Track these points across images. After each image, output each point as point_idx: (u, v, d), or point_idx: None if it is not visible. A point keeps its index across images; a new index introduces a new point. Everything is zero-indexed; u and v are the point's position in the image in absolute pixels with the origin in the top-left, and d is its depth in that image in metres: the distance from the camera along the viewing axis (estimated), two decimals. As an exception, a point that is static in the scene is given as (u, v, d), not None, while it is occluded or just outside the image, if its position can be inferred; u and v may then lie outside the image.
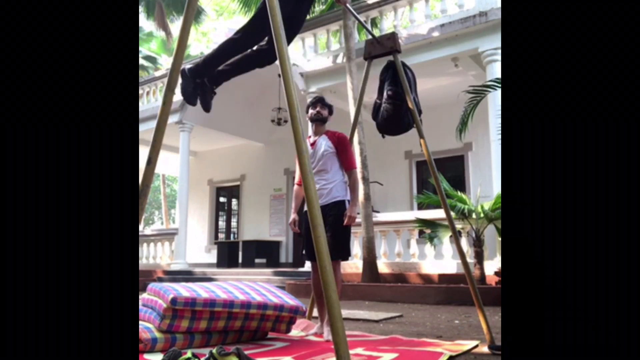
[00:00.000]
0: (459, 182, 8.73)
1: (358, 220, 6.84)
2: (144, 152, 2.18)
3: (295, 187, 3.44)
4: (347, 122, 5.51)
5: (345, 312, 4.26)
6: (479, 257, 5.83)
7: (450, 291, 5.53)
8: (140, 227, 9.80)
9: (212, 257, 11.77)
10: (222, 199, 13.24)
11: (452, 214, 4.45)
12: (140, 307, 2.87)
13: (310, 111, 3.29)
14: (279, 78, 7.84)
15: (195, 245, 12.42)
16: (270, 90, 9.61)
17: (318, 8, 9.43)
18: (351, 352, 1.58)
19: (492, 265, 6.05)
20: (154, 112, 10.15)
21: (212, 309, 2.69)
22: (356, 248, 7.26)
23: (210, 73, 2.52)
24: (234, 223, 12.86)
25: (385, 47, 3.30)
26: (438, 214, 6.42)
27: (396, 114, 3.19)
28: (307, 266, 7.36)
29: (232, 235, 12.74)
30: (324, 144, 3.18)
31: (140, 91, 11.11)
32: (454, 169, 9.12)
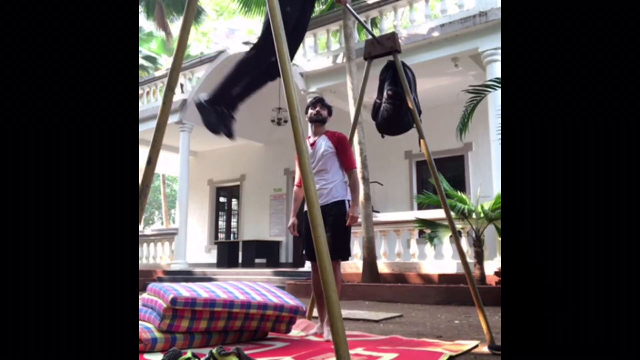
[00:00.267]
0: (459, 182, 8.73)
1: (358, 220, 6.83)
2: (144, 152, 2.18)
3: (295, 188, 3.44)
4: (347, 122, 5.51)
5: (345, 312, 4.26)
6: (479, 257, 5.83)
7: (450, 291, 5.53)
8: (140, 227, 9.80)
9: (212, 257, 11.77)
10: (222, 199, 13.24)
11: (452, 214, 4.45)
12: (140, 307, 2.87)
13: (310, 111, 3.29)
14: (279, 78, 7.80)
15: (195, 245, 12.43)
16: (270, 90, 9.58)
17: (318, 8, 9.42)
18: (351, 352, 1.58)
19: (492, 265, 6.05)
20: (154, 112, 10.16)
21: (212, 309, 2.69)
22: (356, 248, 7.26)
23: (227, 98, 2.51)
24: (234, 223, 12.86)
25: (385, 47, 3.30)
26: (438, 214, 6.42)
27: (396, 114, 3.19)
28: (307, 266, 7.36)
29: (232, 235, 12.75)
30: (324, 144, 3.18)
31: (140, 91, 11.12)
32: (454, 169, 9.12)
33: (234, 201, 12.89)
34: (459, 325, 3.70)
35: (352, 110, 6.66)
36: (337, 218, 3.06)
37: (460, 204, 5.92)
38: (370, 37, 3.44)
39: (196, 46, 21.87)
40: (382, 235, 7.26)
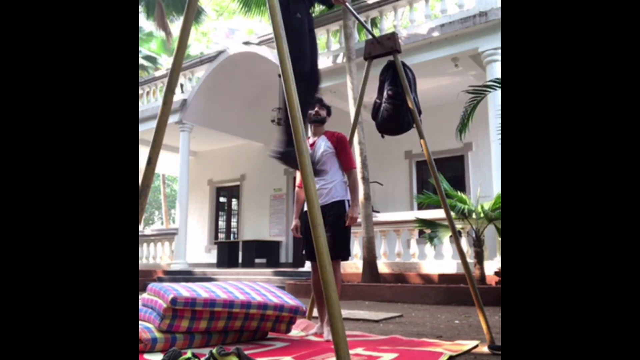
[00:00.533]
0: (459, 182, 8.73)
1: (358, 220, 6.83)
2: (144, 152, 2.18)
3: (297, 189, 3.44)
4: (347, 122, 5.51)
5: (345, 312, 4.26)
6: (479, 257, 5.83)
7: (450, 291, 5.53)
8: (140, 227, 9.81)
9: (212, 257, 11.77)
10: (222, 199, 13.24)
11: (452, 214, 4.45)
12: (140, 307, 2.87)
13: (309, 112, 3.29)
14: (279, 78, 7.82)
15: (195, 245, 12.43)
16: (270, 90, 9.61)
17: (318, 8, 9.42)
18: (351, 352, 1.58)
19: (492, 265, 6.05)
20: (154, 112, 10.16)
21: (212, 309, 2.69)
22: (356, 248, 7.26)
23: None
24: (234, 223, 12.86)
25: (385, 47, 3.30)
26: (438, 214, 6.42)
27: (396, 114, 3.19)
28: (307, 266, 7.36)
29: (232, 235, 12.74)
30: (323, 144, 3.18)
31: (140, 91, 11.12)
32: (454, 169, 9.12)
33: (234, 201, 12.89)
34: (459, 325, 3.70)
35: (352, 110, 6.66)
36: (337, 218, 3.06)
37: (460, 204, 5.92)
38: (370, 37, 3.44)
39: (196, 46, 21.87)
40: (382, 235, 7.26)
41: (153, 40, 19.64)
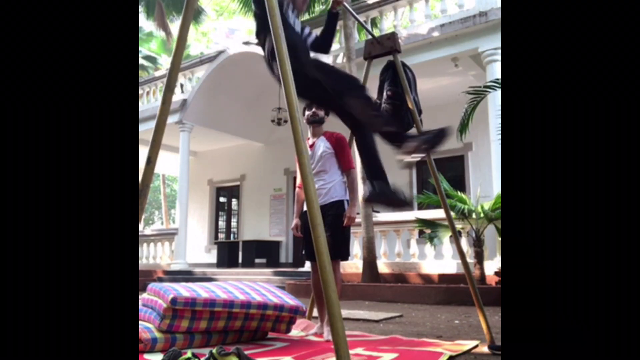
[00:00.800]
0: (459, 182, 8.73)
1: (358, 220, 6.83)
2: (144, 152, 2.18)
3: (297, 190, 3.44)
4: (347, 122, 5.48)
5: (345, 312, 4.26)
6: (479, 257, 5.83)
7: (450, 291, 5.53)
8: (140, 227, 9.82)
9: (212, 257, 11.77)
10: (222, 199, 13.24)
11: (452, 214, 4.45)
12: (140, 307, 2.87)
13: (307, 113, 3.28)
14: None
15: (195, 245, 12.43)
16: (270, 90, 9.61)
17: (318, 8, 9.43)
18: (351, 352, 1.58)
19: (492, 265, 6.05)
20: (154, 112, 10.16)
21: (212, 309, 2.69)
22: (356, 248, 7.25)
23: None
24: (234, 223, 12.86)
25: (385, 47, 3.30)
26: (438, 214, 6.42)
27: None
28: (307, 266, 7.36)
29: (232, 235, 12.75)
30: (322, 145, 3.19)
31: (140, 91, 11.12)
32: (454, 169, 9.12)
33: (234, 201, 12.89)
34: (459, 325, 3.70)
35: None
36: (336, 218, 3.06)
37: (460, 204, 5.92)
38: (370, 37, 3.44)
39: (196, 46, 21.87)
40: (382, 235, 7.26)
41: (153, 40, 19.64)
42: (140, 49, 18.20)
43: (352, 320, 4.02)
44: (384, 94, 3.27)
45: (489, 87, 3.96)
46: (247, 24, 20.50)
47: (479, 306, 2.88)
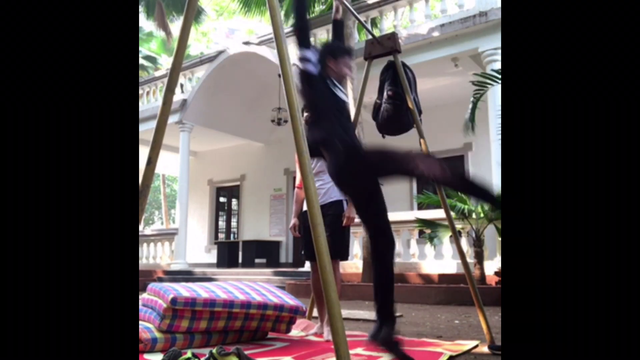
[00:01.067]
0: (459, 182, 8.72)
1: (358, 220, 6.82)
2: (144, 152, 2.18)
3: (296, 190, 3.44)
4: (347, 122, 5.45)
5: (345, 312, 4.26)
6: (479, 257, 5.83)
7: (450, 291, 5.52)
8: (140, 227, 9.81)
9: (212, 257, 11.77)
10: (222, 199, 13.24)
11: (452, 214, 4.44)
12: (140, 307, 2.87)
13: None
14: (279, 78, 7.83)
15: (195, 245, 12.43)
16: (270, 90, 9.61)
17: (318, 8, 9.43)
18: (351, 352, 1.58)
19: (492, 265, 6.05)
20: (154, 112, 10.16)
21: (212, 309, 2.69)
22: (356, 248, 7.25)
23: None
24: (234, 223, 12.86)
25: (385, 47, 3.30)
26: (438, 214, 6.42)
27: (396, 114, 3.18)
28: (307, 266, 7.35)
29: (232, 235, 12.74)
30: None
31: (140, 91, 11.12)
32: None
33: (234, 201, 12.89)
34: (459, 325, 3.70)
35: (352, 110, 6.65)
36: (335, 218, 3.06)
37: (460, 204, 5.92)
38: (370, 37, 3.44)
39: (196, 46, 21.86)
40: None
41: (153, 40, 19.63)
42: (140, 49, 18.20)
43: (352, 320, 4.02)
44: (385, 93, 3.27)
45: (491, 77, 3.95)
46: (247, 24, 20.50)
47: (479, 306, 2.88)
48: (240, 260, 10.66)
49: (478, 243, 5.88)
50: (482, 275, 5.78)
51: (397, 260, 7.02)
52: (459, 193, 6.21)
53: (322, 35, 8.90)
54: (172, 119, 9.66)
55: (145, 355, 2.48)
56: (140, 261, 9.98)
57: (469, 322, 3.88)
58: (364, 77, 3.45)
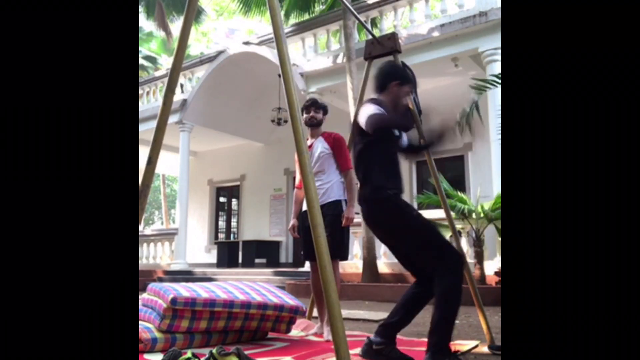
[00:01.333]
0: (459, 182, 8.73)
1: (358, 220, 6.83)
2: (144, 152, 2.18)
3: (295, 190, 3.44)
4: (347, 122, 5.47)
5: (345, 312, 4.26)
6: (479, 257, 5.83)
7: (450, 291, 5.52)
8: (140, 227, 9.81)
9: (212, 257, 11.77)
10: (222, 199, 13.24)
11: (452, 214, 4.44)
12: (140, 307, 2.87)
13: (305, 116, 3.28)
14: (279, 78, 7.85)
15: (195, 245, 12.43)
16: (270, 90, 9.61)
17: (318, 8, 9.43)
18: (351, 352, 1.58)
19: (492, 265, 6.05)
20: (154, 112, 10.16)
21: (212, 309, 2.69)
22: (356, 248, 7.25)
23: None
24: (234, 223, 12.86)
25: (385, 47, 3.30)
26: (438, 214, 6.41)
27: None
28: (307, 266, 7.35)
29: (232, 235, 12.74)
30: (320, 145, 3.20)
31: (140, 91, 11.12)
32: (454, 169, 9.12)
33: (234, 201, 12.89)
34: (459, 325, 3.70)
35: (352, 110, 6.66)
36: (334, 218, 3.07)
37: (460, 204, 5.92)
38: (370, 37, 3.44)
39: (196, 46, 21.86)
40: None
41: (153, 40, 19.64)
42: (140, 49, 18.20)
43: (352, 320, 4.02)
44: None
45: (489, 81, 3.96)
46: (247, 24, 20.50)
47: (479, 306, 2.88)
48: (240, 260, 10.66)
49: (478, 243, 5.88)
50: (482, 275, 5.78)
51: (395, 260, 7.01)
52: (459, 193, 6.22)
53: (322, 35, 8.91)
54: (172, 119, 9.66)
55: (145, 355, 2.48)
56: (140, 261, 9.98)
57: (469, 322, 3.88)
58: (364, 77, 3.45)
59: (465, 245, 6.33)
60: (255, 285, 3.14)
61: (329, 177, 3.16)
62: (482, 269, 5.79)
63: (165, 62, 19.81)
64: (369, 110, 2.33)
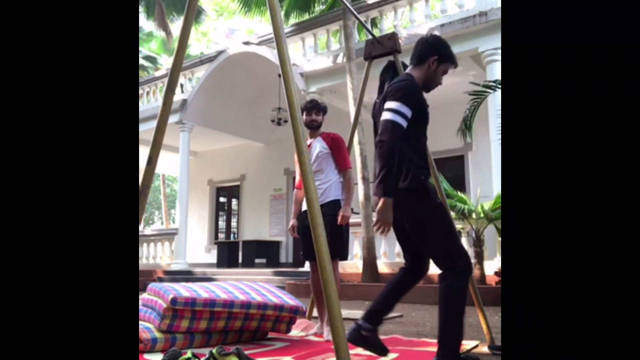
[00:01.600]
0: (459, 182, 8.73)
1: (358, 220, 6.83)
2: (144, 152, 2.18)
3: (295, 190, 3.45)
4: (347, 122, 5.49)
5: (345, 312, 4.26)
6: (479, 257, 5.83)
7: (450, 291, 5.52)
8: (140, 227, 9.81)
9: (212, 257, 11.77)
10: (222, 199, 13.24)
11: (452, 214, 4.45)
12: (140, 307, 2.87)
13: (305, 117, 3.29)
14: (279, 78, 7.86)
15: (195, 245, 12.43)
16: (270, 90, 9.61)
17: (318, 8, 9.43)
18: (351, 352, 1.58)
19: (492, 265, 6.05)
20: (154, 112, 10.16)
21: (212, 309, 2.69)
22: (356, 248, 7.25)
23: None
24: (234, 223, 12.86)
25: (385, 47, 3.30)
26: (438, 214, 6.42)
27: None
28: (307, 266, 7.35)
29: (232, 235, 12.75)
30: (319, 145, 3.21)
31: (140, 91, 11.13)
32: (454, 169, 9.12)
33: (234, 201, 12.89)
34: (459, 325, 3.69)
35: (352, 110, 6.66)
36: (333, 218, 3.07)
37: (460, 204, 5.92)
38: (370, 37, 3.44)
39: (196, 46, 21.86)
40: (382, 235, 7.25)
41: (153, 40, 19.64)
42: (140, 49, 18.21)
43: (352, 320, 4.01)
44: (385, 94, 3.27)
45: (488, 87, 3.96)
46: (247, 24, 20.50)
47: (479, 306, 2.88)
48: (240, 260, 10.66)
49: (478, 243, 5.88)
50: (482, 275, 5.78)
51: (396, 260, 7.03)
52: (459, 193, 6.22)
53: (322, 35, 8.91)
54: (172, 119, 9.66)
55: (145, 355, 2.48)
56: (140, 261, 9.98)
57: (469, 322, 3.88)
58: (364, 77, 3.46)
59: (465, 245, 6.34)
60: (255, 285, 3.14)
61: (327, 176, 3.16)
62: (482, 269, 5.79)
63: (165, 62, 19.81)
64: (394, 107, 2.19)
